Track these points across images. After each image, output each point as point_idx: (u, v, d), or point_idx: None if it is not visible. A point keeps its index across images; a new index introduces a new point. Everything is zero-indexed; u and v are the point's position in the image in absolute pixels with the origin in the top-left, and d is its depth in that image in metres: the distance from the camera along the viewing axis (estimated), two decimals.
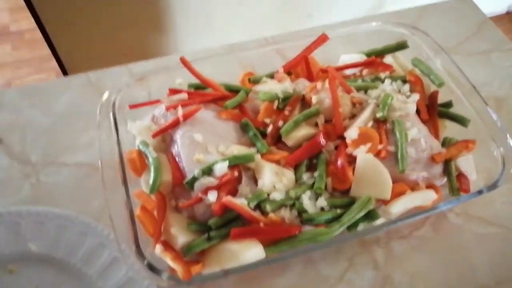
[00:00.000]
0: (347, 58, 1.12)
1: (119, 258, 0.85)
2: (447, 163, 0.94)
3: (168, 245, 0.83)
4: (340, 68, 1.08)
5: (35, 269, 0.86)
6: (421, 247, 0.92)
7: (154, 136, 0.94)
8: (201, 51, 1.21)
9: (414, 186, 0.92)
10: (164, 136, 0.96)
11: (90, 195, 0.96)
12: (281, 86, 1.03)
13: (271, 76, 1.07)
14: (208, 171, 0.86)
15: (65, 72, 2.18)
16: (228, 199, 0.82)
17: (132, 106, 1.00)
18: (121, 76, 1.17)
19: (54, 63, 2.20)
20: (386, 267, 0.89)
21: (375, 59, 1.06)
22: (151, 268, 0.77)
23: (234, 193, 0.86)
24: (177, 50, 2.29)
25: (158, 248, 0.82)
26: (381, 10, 2.41)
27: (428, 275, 0.88)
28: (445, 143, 0.98)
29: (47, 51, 2.15)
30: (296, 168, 0.92)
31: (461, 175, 0.95)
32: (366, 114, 0.96)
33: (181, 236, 0.83)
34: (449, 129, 1.01)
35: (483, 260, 0.90)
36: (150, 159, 0.90)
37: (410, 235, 0.93)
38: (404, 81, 1.02)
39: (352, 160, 0.90)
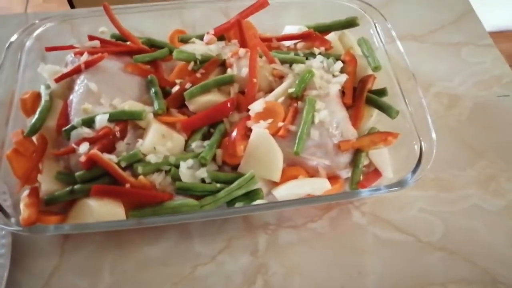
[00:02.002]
0: (289, 29, 1.03)
1: None
2: (357, 154, 0.84)
3: (35, 192, 0.79)
4: (276, 39, 0.98)
5: None
6: (312, 241, 0.83)
7: (57, 81, 0.89)
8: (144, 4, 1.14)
9: (314, 173, 0.83)
10: (70, 83, 0.92)
11: None
12: (206, 48, 0.95)
13: (202, 37, 0.99)
14: (88, 121, 0.81)
15: (72, 5, 2.15)
16: (95, 152, 0.77)
17: (48, 49, 0.96)
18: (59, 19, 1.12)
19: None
20: (265, 255, 0.81)
21: (311, 32, 0.96)
22: (1, 210, 0.74)
23: (112, 149, 0.81)
24: None
25: (24, 193, 0.78)
26: None
27: (308, 272, 0.79)
28: (369, 134, 0.88)
29: None
30: (191, 135, 0.86)
31: (375, 172, 0.85)
32: (280, 88, 0.87)
33: (45, 184, 0.79)
34: (382, 122, 0.89)
35: (376, 267, 0.80)
36: (42, 101, 0.86)
37: (303, 226, 0.84)
38: (338, 60, 0.92)
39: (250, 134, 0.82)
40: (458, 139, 0.95)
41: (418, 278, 0.79)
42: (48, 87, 0.90)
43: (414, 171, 0.78)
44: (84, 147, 0.78)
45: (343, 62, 0.92)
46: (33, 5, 3.06)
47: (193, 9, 1.09)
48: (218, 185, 0.79)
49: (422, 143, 0.80)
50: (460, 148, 0.94)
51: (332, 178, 0.83)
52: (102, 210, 0.75)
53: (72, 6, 2.12)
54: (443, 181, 0.90)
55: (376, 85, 0.93)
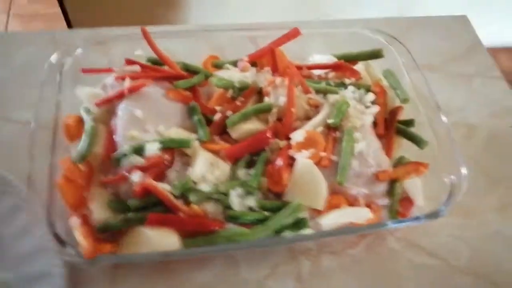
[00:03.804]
0: (318, 58, 1.07)
1: (32, 224, 0.82)
2: (392, 184, 0.89)
3: (86, 220, 0.80)
4: (307, 67, 1.02)
5: None
6: (351, 266, 0.87)
7: (98, 105, 0.90)
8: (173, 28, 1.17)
9: (353, 202, 0.87)
10: (110, 107, 0.92)
11: (24, 155, 0.91)
12: (241, 76, 0.98)
13: (235, 63, 1.02)
14: (139, 149, 0.83)
15: (68, 23, 2.15)
16: (149, 181, 0.78)
17: (85, 70, 0.96)
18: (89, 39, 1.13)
19: (64, 23, 2.18)
20: (310, 281, 0.85)
21: (342, 63, 1.00)
22: (59, 240, 0.74)
23: (161, 177, 0.83)
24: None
25: (74, 221, 0.78)
26: None
27: None
28: (399, 162, 0.93)
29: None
30: (235, 163, 0.88)
31: (406, 199, 0.91)
32: (318, 118, 0.91)
33: (98, 212, 0.80)
34: (407, 150, 0.96)
35: None
36: (86, 127, 0.87)
37: (342, 252, 0.88)
38: (369, 91, 0.97)
39: (293, 163, 0.86)
40: (476, 167, 1.02)
41: None
42: (88, 110, 0.90)
43: (447, 202, 0.83)
44: (137, 176, 0.79)
45: (373, 93, 0.97)
46: (17, 6, 3.01)
47: (220, 34, 1.11)
48: (266, 213, 0.82)
49: (452, 176, 0.86)
50: (478, 176, 1.01)
51: (371, 206, 0.88)
52: (158, 239, 0.77)
53: (68, 23, 2.12)
54: (466, 208, 0.96)
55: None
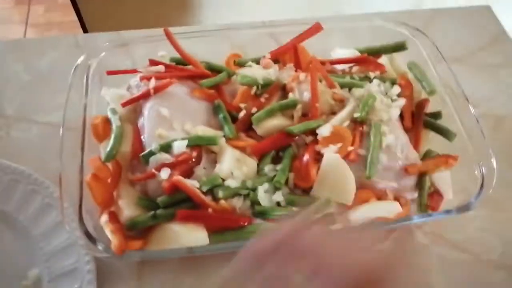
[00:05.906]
0: (341, 52, 1.06)
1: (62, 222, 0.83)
2: (421, 177, 0.88)
3: (114, 217, 0.81)
4: (330, 62, 1.02)
5: None
6: None
7: (124, 105, 0.91)
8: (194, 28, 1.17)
9: (381, 196, 0.86)
10: (135, 107, 0.94)
11: (53, 156, 0.93)
12: (265, 73, 0.98)
13: (258, 61, 1.02)
14: (166, 147, 0.83)
15: (84, 29, 2.20)
16: (178, 178, 0.79)
17: (110, 72, 0.98)
18: (110, 42, 1.14)
19: (80, 31, 2.22)
20: None
21: (366, 57, 1.00)
22: (89, 236, 0.76)
23: (189, 174, 0.83)
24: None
25: (103, 218, 0.80)
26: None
27: None
28: (426, 155, 0.92)
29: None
30: (261, 159, 0.88)
31: (436, 192, 0.89)
32: (344, 112, 0.90)
33: (127, 209, 0.81)
34: (434, 142, 0.94)
35: (441, 285, 0.84)
36: (113, 127, 0.88)
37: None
38: (394, 84, 0.96)
39: (320, 158, 0.86)
40: (505, 159, 0.99)
41: None
42: (114, 111, 0.91)
43: (478, 195, 0.82)
44: (165, 173, 0.80)
45: (399, 86, 0.96)
46: (34, 16, 3.07)
47: (240, 33, 1.12)
48: (294, 208, 0.82)
49: (483, 168, 0.85)
50: (506, 168, 0.98)
51: (399, 200, 0.87)
52: (186, 234, 0.77)
53: (85, 31, 2.17)
54: (495, 201, 0.93)
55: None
